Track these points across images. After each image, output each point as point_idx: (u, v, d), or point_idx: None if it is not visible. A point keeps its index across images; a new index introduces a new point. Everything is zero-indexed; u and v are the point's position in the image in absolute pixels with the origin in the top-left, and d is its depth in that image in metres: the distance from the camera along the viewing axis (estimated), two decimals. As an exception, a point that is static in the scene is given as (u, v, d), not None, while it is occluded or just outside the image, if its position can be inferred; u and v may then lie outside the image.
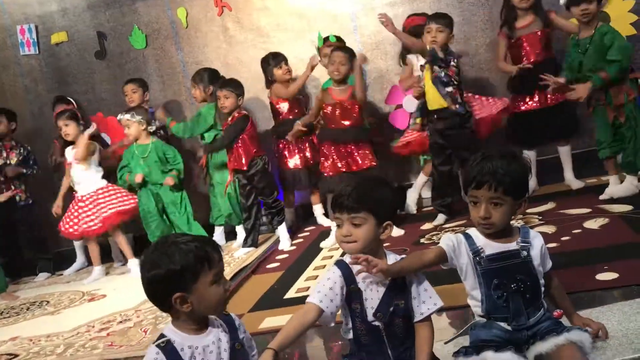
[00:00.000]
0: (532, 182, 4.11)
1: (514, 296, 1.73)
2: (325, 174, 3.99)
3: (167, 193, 4.47)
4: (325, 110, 4.00)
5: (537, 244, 1.81)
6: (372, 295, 1.73)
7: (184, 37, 5.23)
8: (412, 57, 4.28)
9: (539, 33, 3.95)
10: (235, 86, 4.31)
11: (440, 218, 3.88)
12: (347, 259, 1.78)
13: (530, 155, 4.07)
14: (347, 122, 3.94)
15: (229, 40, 5.15)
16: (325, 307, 1.70)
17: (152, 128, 4.52)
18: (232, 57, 5.15)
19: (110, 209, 4.41)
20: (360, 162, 3.93)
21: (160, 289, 1.55)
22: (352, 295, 1.73)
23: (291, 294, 3.19)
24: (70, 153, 4.54)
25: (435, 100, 3.80)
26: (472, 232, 1.82)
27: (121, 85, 5.01)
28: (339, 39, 4.59)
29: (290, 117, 4.50)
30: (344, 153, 3.93)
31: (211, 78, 4.67)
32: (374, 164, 3.95)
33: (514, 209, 1.76)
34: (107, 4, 5.31)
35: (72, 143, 4.54)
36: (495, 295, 1.74)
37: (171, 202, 4.47)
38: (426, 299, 1.75)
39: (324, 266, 3.54)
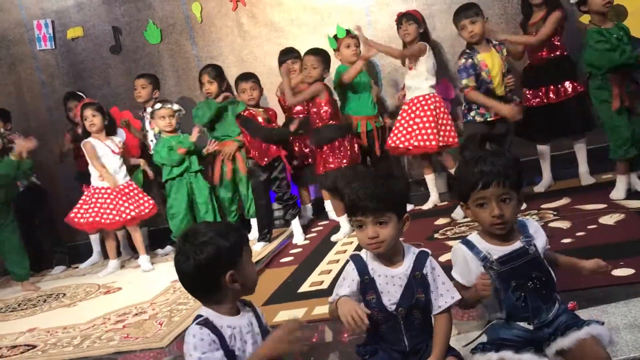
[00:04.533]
0: (547, 177, 4.09)
1: (531, 295, 1.72)
2: (319, 172, 4.09)
3: (200, 190, 4.45)
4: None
5: (538, 235, 1.78)
6: (390, 289, 1.74)
7: (199, 32, 5.25)
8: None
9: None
10: (257, 78, 4.38)
11: (460, 211, 3.84)
12: (363, 253, 1.80)
13: (544, 150, 4.07)
14: (321, 123, 4.07)
15: (243, 35, 5.16)
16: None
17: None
18: (247, 52, 5.16)
19: (131, 210, 4.42)
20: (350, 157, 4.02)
21: (213, 269, 1.58)
22: (366, 286, 1.75)
23: (305, 287, 3.20)
24: (105, 144, 4.46)
25: (499, 88, 3.69)
26: (473, 238, 1.79)
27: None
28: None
29: (300, 115, 4.49)
30: (331, 149, 4.02)
31: (223, 74, 4.69)
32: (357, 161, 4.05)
33: (518, 203, 1.75)
34: (122, -2, 5.35)
35: (87, 134, 4.54)
36: (515, 298, 1.72)
37: (202, 201, 4.43)
38: (444, 292, 1.75)
39: (338, 260, 3.55)
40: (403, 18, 4.30)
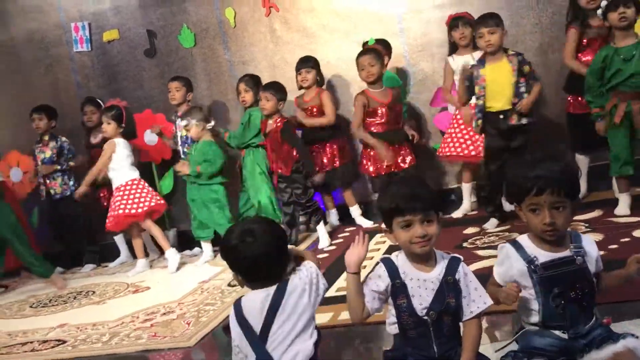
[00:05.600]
0: (583, 188, 4.02)
1: (571, 304, 1.71)
2: (371, 175, 4.14)
3: (204, 192, 4.52)
4: (369, 111, 4.14)
5: (591, 251, 1.78)
6: (422, 293, 1.74)
7: (232, 36, 5.30)
8: (450, 60, 4.31)
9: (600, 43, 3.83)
10: (277, 90, 4.35)
11: (493, 222, 3.83)
12: (393, 257, 1.81)
13: (582, 160, 4.00)
14: (389, 124, 4.12)
15: (275, 41, 5.20)
16: (370, 307, 1.81)
17: (211, 125, 4.58)
18: (278, 57, 5.19)
19: (138, 206, 4.50)
20: (402, 162, 4.09)
21: (285, 245, 1.85)
22: (397, 290, 1.76)
23: (331, 292, 3.20)
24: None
25: (502, 99, 3.68)
26: (522, 240, 1.79)
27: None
28: (381, 41, 4.59)
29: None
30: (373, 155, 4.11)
31: (260, 83, 4.74)
32: (414, 163, 4.14)
33: (572, 211, 1.74)
34: (157, 3, 5.43)
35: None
36: (554, 304, 1.71)
37: (209, 199, 4.51)
38: (476, 298, 1.76)
39: (365, 266, 3.53)
40: (459, 21, 4.23)
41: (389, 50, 4.60)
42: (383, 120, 4.15)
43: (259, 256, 1.76)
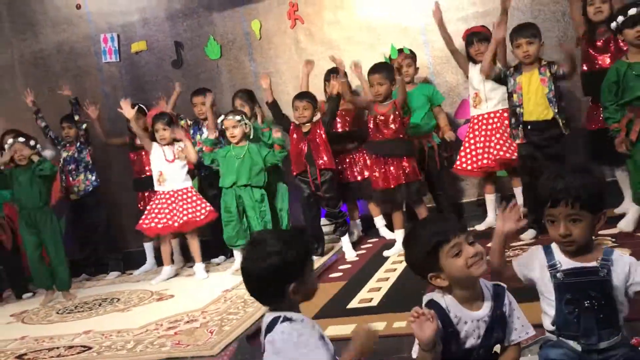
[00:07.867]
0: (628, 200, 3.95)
1: (586, 314, 1.70)
2: (375, 188, 4.12)
3: (249, 197, 4.44)
4: (368, 123, 4.21)
5: (621, 263, 1.72)
6: (474, 334, 1.72)
7: (257, 48, 5.36)
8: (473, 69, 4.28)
9: (612, 45, 3.81)
10: (313, 98, 4.45)
11: (530, 233, 3.76)
12: (440, 299, 1.74)
13: (619, 174, 3.93)
14: (386, 133, 4.10)
15: (300, 53, 5.24)
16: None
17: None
18: (303, 68, 5.23)
19: (184, 215, 4.56)
20: (408, 176, 4.07)
21: (277, 279, 1.63)
22: (447, 337, 1.71)
23: (354, 304, 3.20)
24: (160, 150, 4.66)
25: (534, 110, 3.70)
26: (554, 246, 1.79)
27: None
28: (411, 51, 4.62)
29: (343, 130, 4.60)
30: (389, 166, 4.08)
31: (254, 98, 4.83)
32: (419, 178, 4.10)
33: (594, 223, 1.72)
34: (185, 15, 5.53)
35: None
36: (567, 310, 1.71)
37: (251, 206, 4.44)
38: (518, 327, 1.76)
39: (387, 278, 3.54)
40: (474, 37, 4.24)
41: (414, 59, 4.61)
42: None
43: (249, 269, 1.66)
